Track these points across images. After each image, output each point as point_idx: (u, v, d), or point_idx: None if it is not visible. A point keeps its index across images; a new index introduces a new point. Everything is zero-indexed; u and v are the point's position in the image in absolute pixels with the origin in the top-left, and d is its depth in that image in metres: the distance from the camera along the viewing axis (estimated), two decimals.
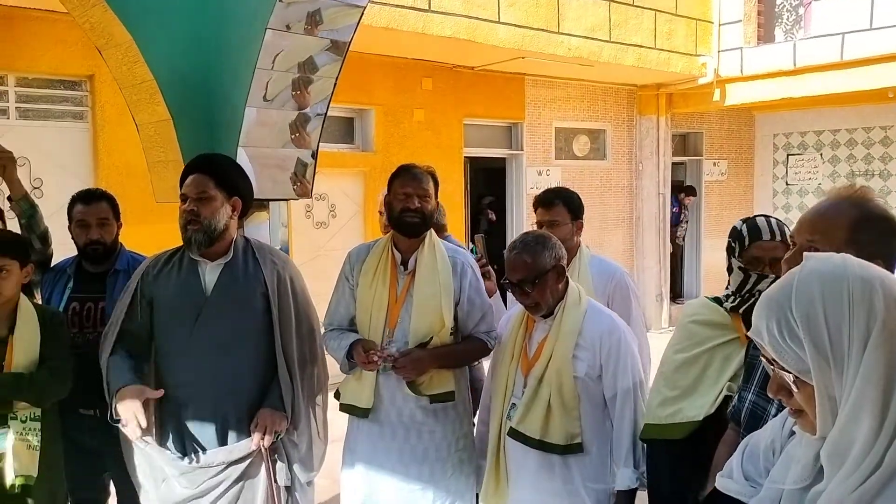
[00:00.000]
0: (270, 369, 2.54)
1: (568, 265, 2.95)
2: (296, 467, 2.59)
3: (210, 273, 2.52)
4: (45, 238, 2.99)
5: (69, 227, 2.97)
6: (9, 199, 2.97)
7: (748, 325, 2.07)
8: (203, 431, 2.47)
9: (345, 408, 2.71)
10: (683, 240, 10.57)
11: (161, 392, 2.44)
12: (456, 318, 2.66)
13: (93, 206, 2.93)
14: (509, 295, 2.68)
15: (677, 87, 9.25)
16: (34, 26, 5.37)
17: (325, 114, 3.13)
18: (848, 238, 1.54)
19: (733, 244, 2.16)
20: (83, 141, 5.77)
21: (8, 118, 5.47)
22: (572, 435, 2.38)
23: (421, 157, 5.60)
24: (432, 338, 2.58)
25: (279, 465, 2.53)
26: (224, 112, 2.92)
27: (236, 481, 2.45)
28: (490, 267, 3.25)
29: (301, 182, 3.09)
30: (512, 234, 8.45)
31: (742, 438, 1.66)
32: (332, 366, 2.72)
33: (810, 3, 8.55)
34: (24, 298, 2.61)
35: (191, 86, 2.93)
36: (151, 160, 3.18)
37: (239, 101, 2.86)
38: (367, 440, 2.68)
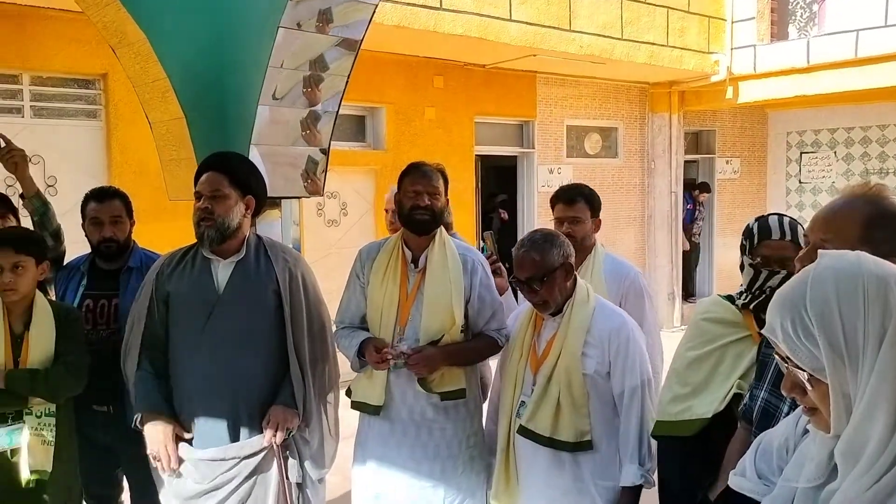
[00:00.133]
0: (282, 366, 2.55)
1: (582, 263, 2.95)
2: (307, 464, 2.60)
3: (222, 271, 2.53)
4: (57, 235, 3.02)
5: (83, 225, 3.00)
6: (21, 196, 2.99)
7: (760, 323, 2.08)
8: (215, 428, 2.48)
9: (356, 405, 2.72)
10: (700, 236, 10.53)
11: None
12: (466, 316, 2.66)
13: (106, 204, 2.95)
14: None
15: (690, 84, 9.20)
16: (48, 25, 5.41)
17: (337, 111, 3.14)
18: (861, 236, 1.53)
19: (745, 242, 2.17)
20: (97, 139, 5.81)
21: (22, 117, 5.51)
22: (582, 432, 2.38)
23: (432, 156, 5.60)
24: (444, 335, 2.59)
25: (291, 461, 2.54)
26: (237, 110, 2.93)
27: (248, 477, 2.47)
28: (501, 264, 3.24)
29: (312, 179, 3.10)
30: (523, 232, 8.41)
31: (754, 436, 1.65)
32: (344, 363, 2.73)
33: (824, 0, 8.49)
34: (39, 295, 2.63)
35: (204, 84, 2.94)
36: (164, 158, 3.20)
37: (251, 99, 2.87)
38: (379, 437, 2.68)
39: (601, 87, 9.13)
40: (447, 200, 2.76)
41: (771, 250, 2.10)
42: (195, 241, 2.54)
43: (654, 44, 8.12)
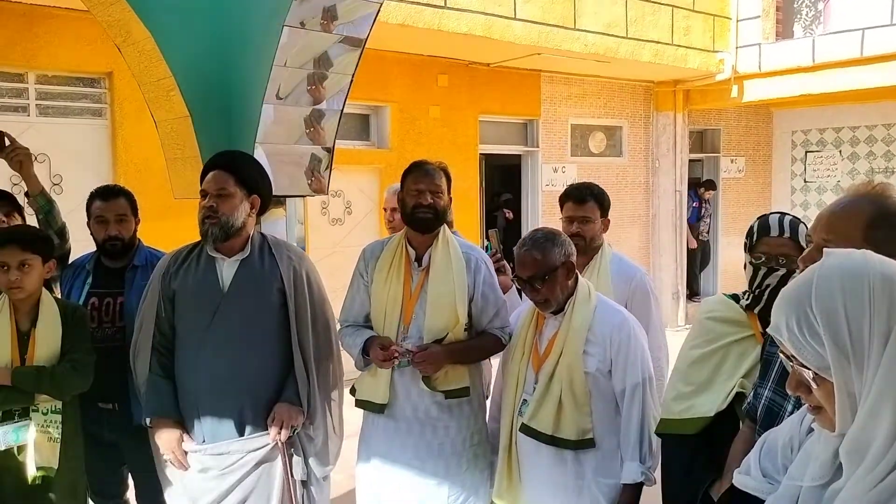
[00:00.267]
0: (287, 364, 2.56)
1: (590, 262, 2.95)
2: (312, 461, 2.61)
3: (227, 269, 2.54)
4: (62, 233, 3.03)
5: (88, 223, 3.00)
6: (26, 195, 3.00)
7: (764, 323, 2.07)
8: (220, 425, 2.49)
9: (360, 403, 2.72)
10: (708, 233, 10.50)
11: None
12: (470, 315, 2.66)
13: (111, 203, 2.96)
14: None
15: (694, 83, 9.18)
16: (54, 24, 5.43)
17: (342, 110, 3.14)
18: (864, 235, 1.52)
19: (746, 241, 2.17)
20: (102, 137, 5.83)
21: (28, 115, 5.53)
22: (584, 430, 2.38)
23: (436, 154, 5.60)
24: (447, 334, 2.59)
25: (295, 458, 2.55)
26: (241, 109, 2.94)
27: (253, 470, 2.48)
28: (505, 262, 3.24)
29: (316, 177, 3.11)
30: (527, 231, 8.42)
31: (758, 435, 1.65)
32: (348, 361, 2.73)
33: None
34: (46, 293, 2.64)
35: (209, 83, 2.95)
36: (169, 157, 3.20)
37: (256, 98, 2.88)
38: (383, 435, 2.69)
39: (606, 86, 9.12)
40: (450, 199, 2.76)
41: (769, 247, 2.09)
42: (199, 238, 2.55)
43: (658, 42, 8.10)
